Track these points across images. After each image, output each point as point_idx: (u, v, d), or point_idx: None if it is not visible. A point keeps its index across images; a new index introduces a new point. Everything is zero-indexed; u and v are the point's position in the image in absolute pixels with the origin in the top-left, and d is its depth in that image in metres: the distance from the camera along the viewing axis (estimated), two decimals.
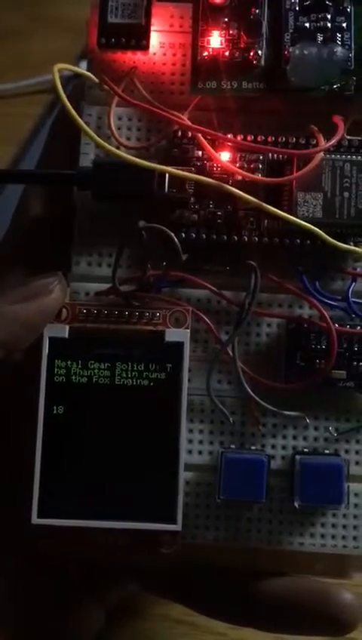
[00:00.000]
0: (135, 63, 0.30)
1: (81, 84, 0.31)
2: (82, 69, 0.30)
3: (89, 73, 0.30)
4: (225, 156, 0.29)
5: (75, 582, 0.32)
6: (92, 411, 0.28)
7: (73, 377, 0.28)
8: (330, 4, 0.29)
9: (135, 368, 0.28)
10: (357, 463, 0.29)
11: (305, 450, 0.29)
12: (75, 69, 0.30)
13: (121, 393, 0.28)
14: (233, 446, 0.29)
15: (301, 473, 0.28)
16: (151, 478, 0.28)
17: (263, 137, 0.29)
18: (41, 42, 0.49)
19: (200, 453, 0.29)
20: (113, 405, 0.28)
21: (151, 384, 0.28)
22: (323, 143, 0.28)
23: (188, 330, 0.29)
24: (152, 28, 0.30)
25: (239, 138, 0.29)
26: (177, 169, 0.29)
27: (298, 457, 0.29)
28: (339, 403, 0.30)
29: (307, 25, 0.29)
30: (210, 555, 0.30)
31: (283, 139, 0.29)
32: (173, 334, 0.29)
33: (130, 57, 0.30)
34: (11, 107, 0.49)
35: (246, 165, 0.29)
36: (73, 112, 0.28)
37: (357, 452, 0.29)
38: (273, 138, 0.29)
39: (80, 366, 0.28)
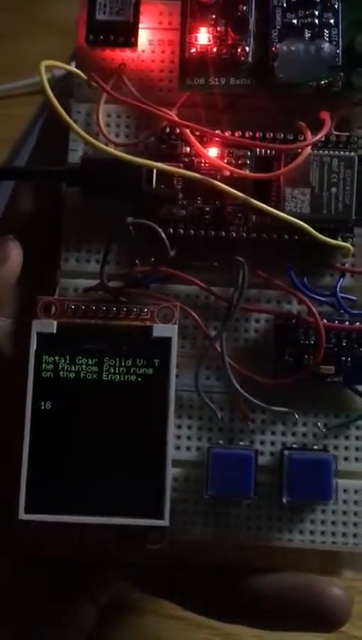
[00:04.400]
0: (123, 60, 0.30)
1: (70, 82, 0.31)
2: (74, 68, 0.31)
3: (77, 70, 0.30)
4: (213, 152, 0.29)
5: (67, 580, 0.31)
6: (80, 407, 0.28)
7: (61, 373, 0.28)
8: (318, 0, 0.29)
9: (123, 364, 0.28)
10: (346, 458, 0.29)
11: (294, 445, 0.29)
12: (63, 65, 0.30)
13: (109, 389, 0.28)
14: (221, 442, 0.29)
15: (289, 469, 0.28)
16: (139, 473, 0.28)
17: (251, 133, 0.29)
18: (33, 44, 0.50)
19: (188, 449, 0.29)
20: (101, 401, 0.28)
21: (139, 379, 0.28)
22: (310, 139, 0.28)
23: (176, 326, 0.29)
24: (141, 25, 0.30)
25: (227, 134, 0.29)
26: (165, 165, 0.29)
27: (286, 453, 0.28)
28: (328, 398, 0.29)
29: (294, 21, 0.29)
30: (198, 552, 0.29)
31: (271, 135, 0.29)
32: (160, 330, 0.29)
33: (119, 54, 0.30)
34: (4, 108, 0.50)
35: (234, 161, 0.29)
36: (59, 107, 0.28)
37: (346, 447, 0.29)
38: (261, 134, 0.29)
39: (68, 361, 0.28)
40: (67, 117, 0.29)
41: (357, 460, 0.29)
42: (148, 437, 0.28)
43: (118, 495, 0.28)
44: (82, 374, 0.28)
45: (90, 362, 0.28)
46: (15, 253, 0.29)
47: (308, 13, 0.29)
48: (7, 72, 0.50)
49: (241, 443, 0.29)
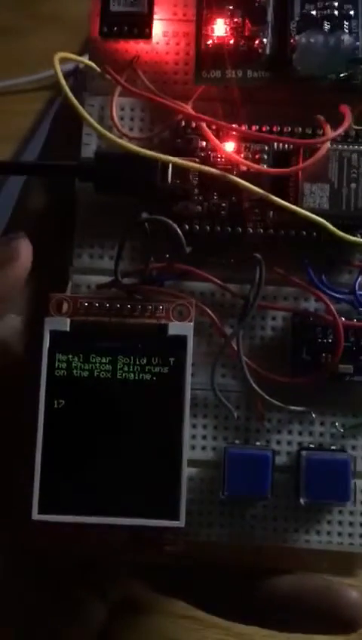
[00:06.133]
0: (138, 52, 0.30)
1: (83, 75, 0.30)
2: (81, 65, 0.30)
3: (91, 63, 0.30)
4: (229, 146, 0.29)
5: (77, 579, 0.31)
6: (93, 406, 0.28)
7: (74, 371, 0.28)
8: None
9: (137, 362, 0.28)
10: None
11: (311, 445, 0.29)
12: (77, 58, 0.29)
13: (123, 387, 0.28)
14: (237, 441, 0.29)
15: (306, 469, 0.28)
16: (154, 473, 0.27)
17: (268, 127, 0.29)
18: (40, 39, 0.49)
19: (203, 448, 0.29)
20: (115, 400, 0.28)
21: (154, 378, 0.28)
22: (329, 133, 0.28)
23: (192, 324, 0.28)
24: (155, 16, 0.29)
25: (244, 128, 0.28)
26: (181, 159, 0.28)
27: (303, 453, 0.28)
28: (346, 398, 0.29)
29: (313, 12, 0.28)
30: (214, 552, 0.29)
31: (289, 129, 0.29)
32: (176, 328, 0.28)
33: (133, 46, 0.30)
34: (11, 104, 0.49)
35: (251, 156, 0.29)
36: (75, 101, 0.28)
37: None
38: (278, 128, 0.29)
39: (81, 360, 0.28)
40: (83, 110, 0.28)
41: None
42: (164, 436, 0.27)
43: (133, 495, 0.27)
44: (96, 373, 0.28)
45: (104, 361, 0.28)
46: (25, 250, 0.28)
47: (327, 4, 0.28)
48: (12, 67, 0.50)
49: (258, 443, 0.29)
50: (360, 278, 0.29)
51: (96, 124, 0.28)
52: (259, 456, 0.28)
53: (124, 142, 0.29)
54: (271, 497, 0.28)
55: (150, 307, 0.28)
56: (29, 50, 0.49)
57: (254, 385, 0.28)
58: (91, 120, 0.28)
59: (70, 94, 0.28)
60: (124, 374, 0.28)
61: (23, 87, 0.49)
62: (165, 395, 0.28)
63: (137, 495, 0.27)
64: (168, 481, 0.27)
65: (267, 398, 0.28)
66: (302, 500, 0.28)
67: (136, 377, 0.28)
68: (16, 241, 0.28)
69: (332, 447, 0.29)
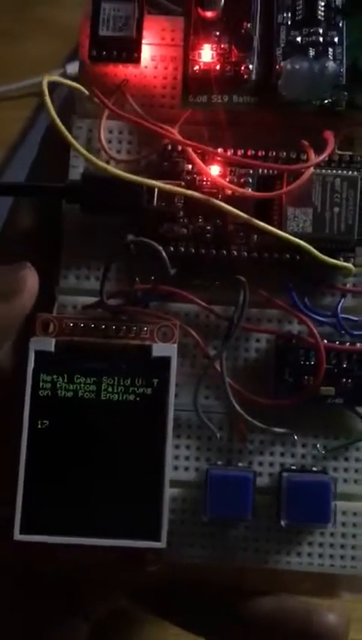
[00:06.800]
0: (126, 76, 0.30)
1: (72, 96, 0.31)
2: (70, 71, 0.30)
3: (79, 86, 0.30)
4: (215, 170, 0.29)
5: (57, 597, 0.31)
6: (77, 426, 0.28)
7: (59, 391, 0.28)
8: (322, 18, 0.29)
9: (121, 383, 0.28)
10: (344, 480, 0.29)
11: (293, 467, 0.29)
12: (66, 81, 0.30)
13: (107, 408, 0.28)
14: (220, 462, 0.29)
15: (287, 491, 0.28)
16: (136, 494, 0.27)
17: (253, 152, 0.29)
18: (29, 45, 0.49)
19: (186, 469, 0.29)
20: (98, 420, 0.28)
21: (138, 399, 0.28)
22: (313, 158, 0.28)
23: (176, 345, 0.28)
24: (144, 41, 0.30)
25: (229, 152, 0.29)
26: (166, 183, 0.28)
27: (285, 475, 0.28)
28: (328, 420, 0.29)
29: (299, 39, 0.29)
30: (196, 573, 0.29)
31: (274, 153, 0.29)
32: (160, 349, 0.28)
33: (122, 70, 0.30)
34: (0, 111, 0.49)
35: (236, 180, 0.29)
36: (62, 126, 0.28)
37: (345, 470, 0.29)
38: (263, 153, 0.29)
39: (66, 380, 0.28)
40: (69, 135, 0.28)
41: (356, 482, 0.29)
42: (146, 457, 0.28)
43: (115, 516, 0.27)
44: (80, 393, 0.28)
45: (89, 381, 0.28)
46: (31, 280, 0.28)
47: (312, 31, 0.29)
48: (2, 74, 0.49)
49: (240, 464, 0.29)
50: (342, 301, 0.29)
51: (81, 149, 0.29)
52: (241, 478, 0.28)
53: (108, 166, 0.29)
54: (253, 519, 0.28)
55: (135, 328, 0.29)
56: (19, 56, 0.49)
57: (237, 406, 0.29)
58: (77, 145, 0.29)
59: (57, 121, 0.28)
60: (108, 395, 0.28)
61: (14, 93, 0.49)
62: (148, 416, 0.28)
63: (119, 516, 0.27)
64: (150, 501, 0.27)
65: (249, 419, 0.28)
66: (283, 522, 0.28)
67: (120, 398, 0.28)
68: (23, 271, 0.28)
69: (314, 469, 0.29)
